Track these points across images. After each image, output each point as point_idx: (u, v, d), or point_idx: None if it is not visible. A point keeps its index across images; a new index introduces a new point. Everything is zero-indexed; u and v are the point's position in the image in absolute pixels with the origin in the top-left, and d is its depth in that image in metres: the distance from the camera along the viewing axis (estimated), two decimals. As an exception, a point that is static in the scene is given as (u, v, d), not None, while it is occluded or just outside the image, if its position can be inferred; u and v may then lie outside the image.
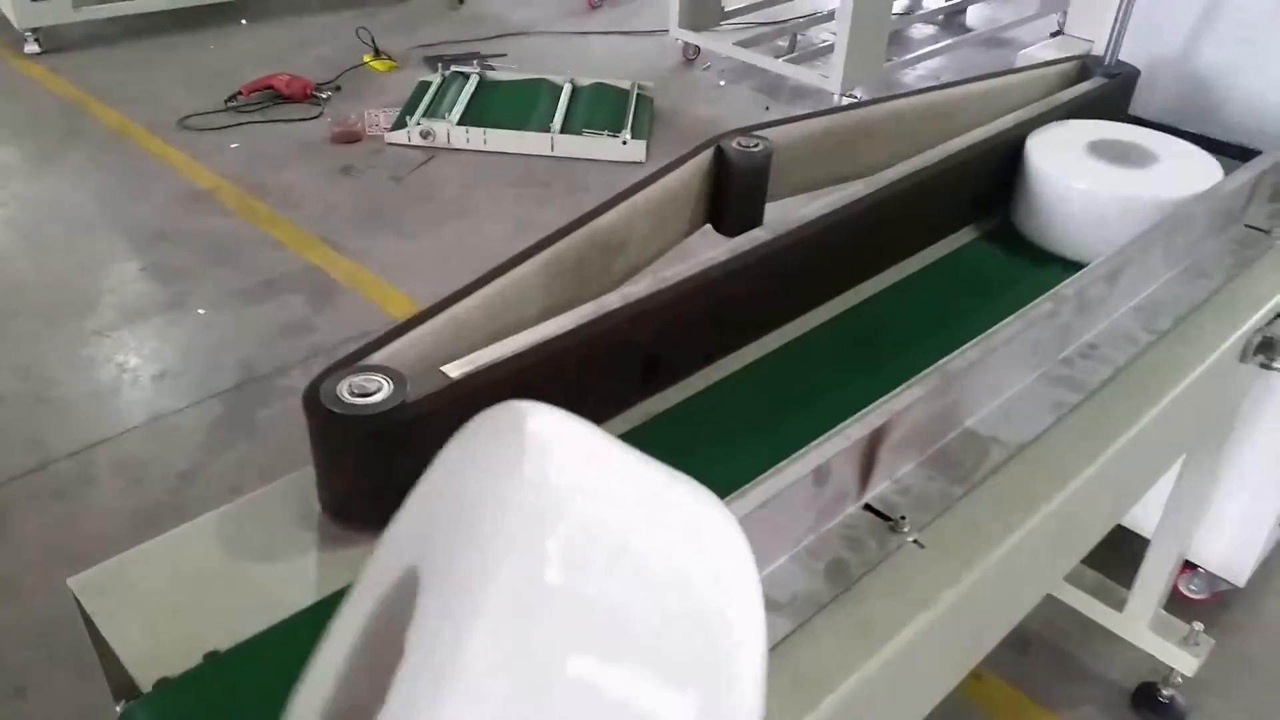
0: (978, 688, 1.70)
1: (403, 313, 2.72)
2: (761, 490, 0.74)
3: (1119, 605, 1.63)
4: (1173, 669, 1.61)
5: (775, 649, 0.74)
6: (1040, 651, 1.76)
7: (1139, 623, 1.61)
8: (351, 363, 0.84)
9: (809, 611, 0.77)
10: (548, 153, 3.63)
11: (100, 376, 2.49)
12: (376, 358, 0.85)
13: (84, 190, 3.36)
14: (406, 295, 2.81)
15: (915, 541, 0.84)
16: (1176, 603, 1.73)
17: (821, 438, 0.79)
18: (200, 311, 2.74)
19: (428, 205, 3.30)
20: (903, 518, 0.84)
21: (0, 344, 2.59)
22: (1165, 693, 1.63)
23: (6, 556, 1.94)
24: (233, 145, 3.65)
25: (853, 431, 0.80)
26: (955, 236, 1.35)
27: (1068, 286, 1.01)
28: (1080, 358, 1.07)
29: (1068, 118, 1.40)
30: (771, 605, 0.77)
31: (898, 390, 0.85)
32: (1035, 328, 0.97)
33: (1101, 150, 1.32)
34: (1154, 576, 1.57)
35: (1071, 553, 1.06)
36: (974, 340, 0.92)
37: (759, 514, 0.74)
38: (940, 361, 0.88)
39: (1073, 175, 1.27)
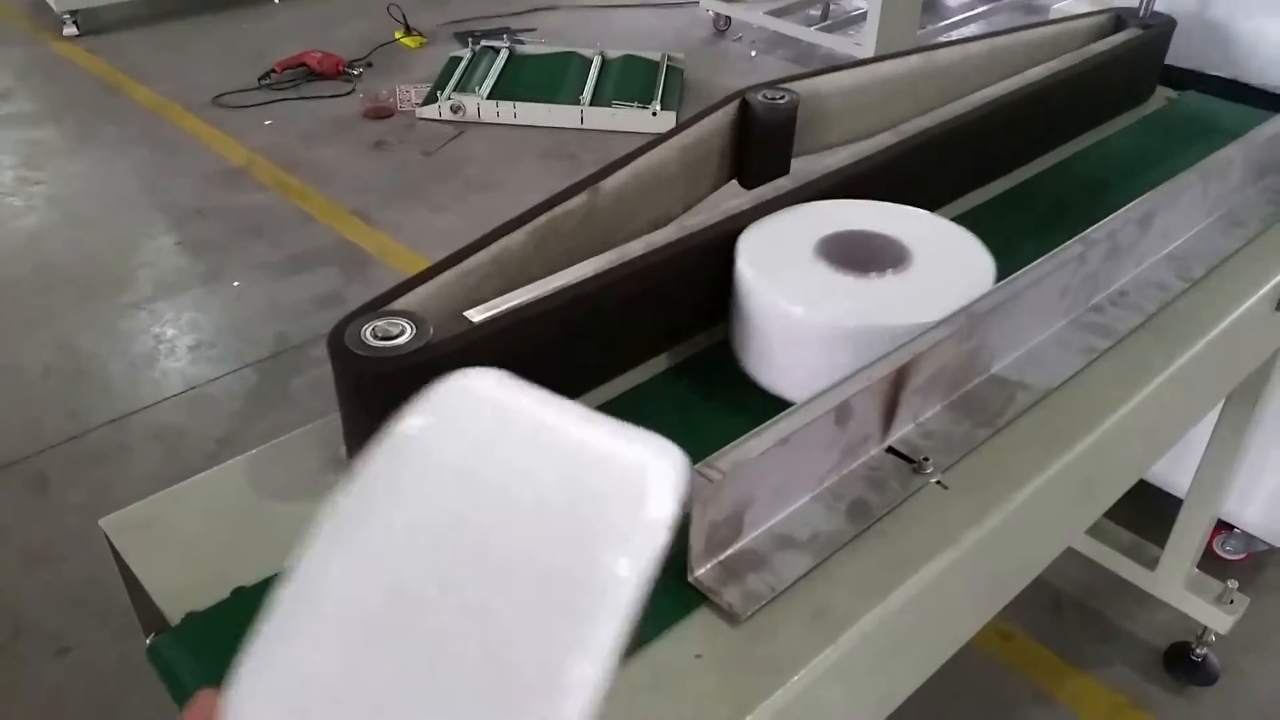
0: (1008, 647, 1.69)
1: (434, 283, 2.73)
2: (781, 427, 0.74)
3: (1152, 564, 1.61)
4: (1206, 628, 1.59)
5: (795, 585, 0.74)
6: (1072, 612, 1.75)
7: (1173, 581, 1.59)
8: (375, 308, 0.85)
9: (829, 549, 0.77)
10: (577, 125, 3.63)
11: (137, 348, 2.53)
12: (400, 303, 0.86)
13: (121, 167, 3.40)
14: (437, 267, 2.82)
15: (938, 483, 0.83)
16: (1211, 563, 1.71)
17: (843, 377, 0.79)
18: (235, 284, 2.78)
19: (458, 179, 3.31)
20: (926, 459, 0.84)
21: (40, 316, 2.64)
22: (1198, 652, 1.61)
23: (47, 521, 1.99)
24: (266, 122, 3.68)
25: (875, 371, 0.80)
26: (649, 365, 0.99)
27: (1097, 230, 0.99)
28: (1111, 304, 1.06)
29: (1101, 70, 1.37)
30: (792, 543, 0.77)
31: (922, 330, 0.84)
32: (1063, 271, 0.96)
33: (836, 248, 0.95)
34: (1188, 534, 1.55)
35: (1098, 501, 1.05)
36: (1000, 283, 0.91)
37: (779, 452, 0.74)
38: (967, 303, 0.87)
39: (781, 290, 0.90)
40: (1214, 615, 1.56)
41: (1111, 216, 1.02)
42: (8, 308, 2.68)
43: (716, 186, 1.23)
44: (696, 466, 0.69)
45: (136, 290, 2.76)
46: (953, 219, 1.06)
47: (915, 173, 1.18)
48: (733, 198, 1.07)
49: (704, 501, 0.70)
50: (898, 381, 0.82)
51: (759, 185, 1.14)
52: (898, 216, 1.02)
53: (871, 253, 0.96)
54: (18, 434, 2.22)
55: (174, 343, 2.55)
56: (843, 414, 0.78)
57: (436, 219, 3.06)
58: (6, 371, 2.43)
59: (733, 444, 0.72)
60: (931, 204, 1.23)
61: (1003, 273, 0.94)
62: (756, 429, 0.74)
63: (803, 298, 0.90)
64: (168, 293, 2.75)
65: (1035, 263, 0.94)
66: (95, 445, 2.19)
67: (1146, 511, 1.64)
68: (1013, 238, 1.09)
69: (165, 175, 3.35)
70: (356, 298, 2.77)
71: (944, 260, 0.96)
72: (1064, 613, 1.75)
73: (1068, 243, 0.97)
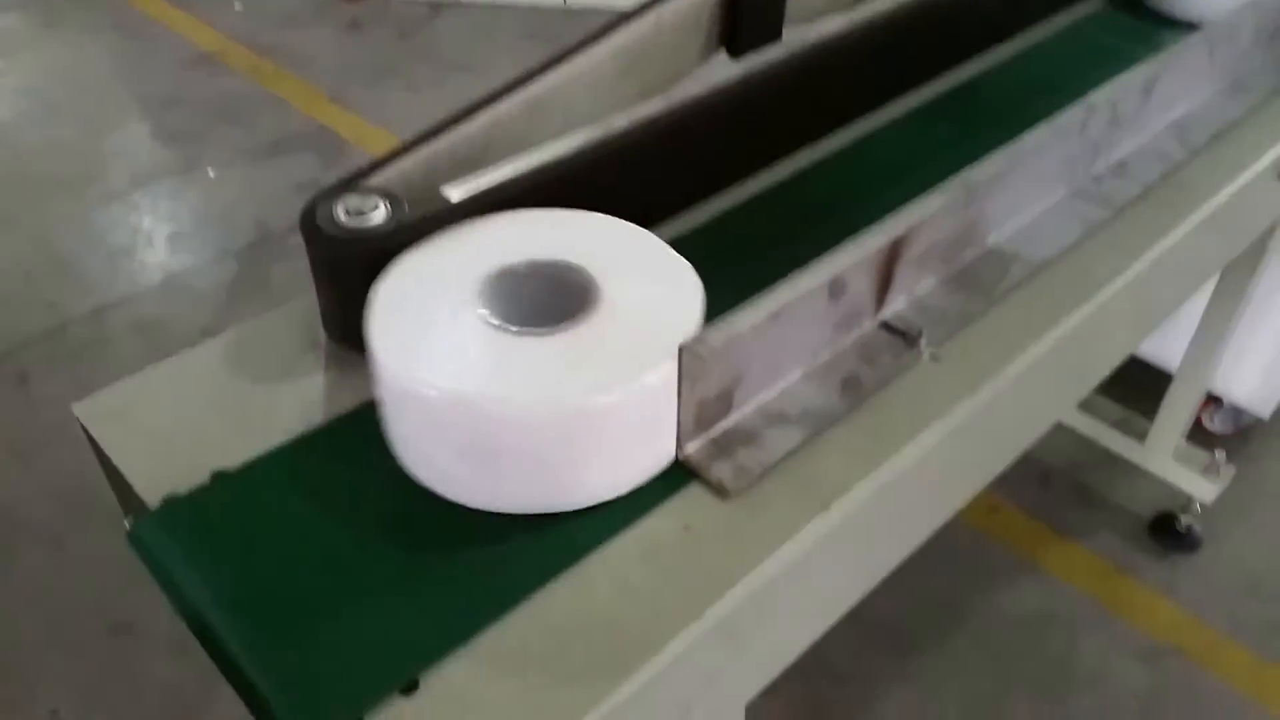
0: (995, 519, 1.71)
1: (415, 169, 2.67)
2: (773, 300, 0.72)
3: (1141, 437, 1.62)
4: (1192, 498, 1.61)
5: (786, 460, 0.73)
6: (1059, 484, 1.77)
7: (1161, 453, 1.60)
8: (349, 185, 0.81)
9: (821, 425, 0.75)
10: (560, 4, 3.50)
11: (114, 240, 2.48)
12: (375, 179, 0.82)
13: (89, 56, 3.28)
14: (418, 152, 2.76)
15: (931, 357, 0.82)
16: (1199, 437, 1.72)
17: (837, 248, 0.77)
18: (211, 173, 2.71)
19: (436, 61, 3.20)
20: (919, 333, 0.82)
21: (12, 208, 2.58)
22: (1183, 521, 1.63)
23: (28, 418, 1.97)
24: (237, 6, 3.54)
25: (870, 242, 0.77)
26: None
27: (1098, 96, 0.96)
28: (1111, 175, 1.03)
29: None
30: (783, 419, 0.75)
31: (918, 200, 0.81)
32: (1064, 140, 0.92)
33: (504, 291, 0.72)
34: (1178, 407, 1.55)
35: (1091, 374, 1.04)
36: (998, 150, 0.87)
37: (770, 326, 0.72)
38: (963, 171, 0.84)
39: (415, 361, 0.66)
40: (1200, 485, 1.58)
41: (1113, 82, 0.98)
42: (-22, 200, 2.61)
43: (706, 55, 1.17)
44: (683, 343, 0.67)
45: (110, 181, 2.69)
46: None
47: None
48: (723, 65, 1.03)
49: (692, 378, 0.69)
50: (892, 254, 0.80)
51: (748, 51, 1.09)
52: (602, 236, 0.78)
53: (549, 295, 0.73)
54: (-6, 328, 2.19)
55: (151, 233, 2.50)
56: (836, 288, 0.76)
57: (415, 102, 2.97)
58: (-19, 265, 2.39)
59: (723, 317, 0.70)
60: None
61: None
62: (748, 302, 0.71)
63: (440, 371, 0.65)
64: (143, 183, 2.68)
65: (1034, 130, 0.91)
66: (75, 339, 2.16)
67: (1136, 386, 1.64)
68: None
69: (135, 62, 3.23)
70: (336, 185, 2.72)
71: (637, 305, 0.71)
72: (1052, 485, 1.77)
73: (1068, 109, 0.93)
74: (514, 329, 0.69)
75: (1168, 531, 1.65)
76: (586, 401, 0.65)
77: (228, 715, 1.06)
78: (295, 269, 2.37)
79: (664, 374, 0.67)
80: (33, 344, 2.15)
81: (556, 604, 0.64)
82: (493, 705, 0.58)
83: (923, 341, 0.82)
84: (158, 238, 2.48)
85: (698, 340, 0.68)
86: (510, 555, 0.67)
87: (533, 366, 0.66)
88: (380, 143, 2.80)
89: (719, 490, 0.71)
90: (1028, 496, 1.74)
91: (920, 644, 1.54)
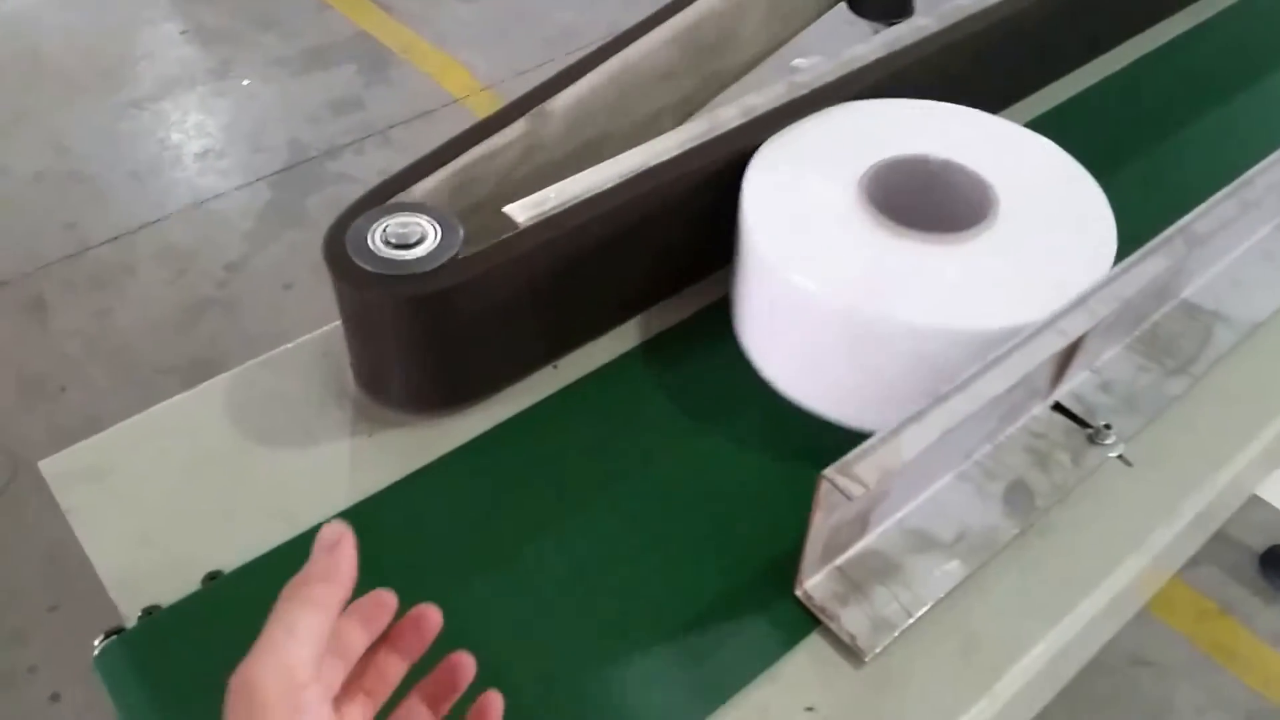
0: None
1: (461, 88, 2.46)
2: (946, 414, 0.54)
3: (1265, 464, 1.43)
4: (1315, 534, 1.43)
5: (941, 604, 0.56)
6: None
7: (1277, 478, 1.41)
8: (384, 198, 0.64)
9: (983, 555, 0.58)
10: (624, -96, 3.22)
11: (139, 154, 2.31)
12: (416, 193, 0.65)
13: (115, -61, 3.06)
14: (465, 68, 2.54)
15: (1120, 458, 0.64)
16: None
17: (1031, 329, 0.58)
18: (245, 83, 2.51)
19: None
20: (1107, 426, 0.64)
21: (28, 114, 2.40)
22: (1300, 556, 1.46)
23: (45, 351, 1.83)
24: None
25: (1070, 324, 0.58)
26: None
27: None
28: (1325, 201, 0.83)
29: None
30: (932, 544, 0.59)
31: (1132, 260, 0.62)
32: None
33: (888, 186, 0.66)
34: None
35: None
36: (1223, 191, 0.68)
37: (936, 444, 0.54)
38: (1184, 220, 0.65)
39: (804, 263, 0.60)
40: (1330, 523, 1.40)
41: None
42: (-7, 102, 2.44)
43: (822, 12, 0.97)
44: (829, 473, 0.50)
45: (137, 86, 2.50)
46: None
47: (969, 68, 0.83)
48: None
49: (829, 509, 0.52)
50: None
51: (881, 18, 0.89)
52: (976, 132, 0.70)
53: (940, 194, 0.67)
54: (10, 249, 2.04)
55: (180, 149, 2.32)
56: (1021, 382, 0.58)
57: (465, 11, 2.75)
58: (-4, 175, 2.23)
59: (878, 438, 0.52)
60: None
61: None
62: (912, 415, 0.53)
63: (839, 278, 0.59)
64: (171, 90, 2.49)
65: (1262, 163, 0.71)
66: (96, 265, 2.01)
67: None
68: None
69: (165, -50, 3.00)
70: (377, 102, 2.52)
71: (1042, 211, 0.65)
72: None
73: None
74: (908, 230, 0.62)
75: None
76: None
77: None
78: (331, 199, 2.20)
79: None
80: (51, 267, 2.00)
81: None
82: None
83: (1109, 437, 0.64)
84: (186, 155, 2.30)
85: (846, 471, 0.50)
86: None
87: (933, 279, 0.60)
88: (427, 57, 2.59)
89: (851, 649, 0.54)
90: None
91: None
